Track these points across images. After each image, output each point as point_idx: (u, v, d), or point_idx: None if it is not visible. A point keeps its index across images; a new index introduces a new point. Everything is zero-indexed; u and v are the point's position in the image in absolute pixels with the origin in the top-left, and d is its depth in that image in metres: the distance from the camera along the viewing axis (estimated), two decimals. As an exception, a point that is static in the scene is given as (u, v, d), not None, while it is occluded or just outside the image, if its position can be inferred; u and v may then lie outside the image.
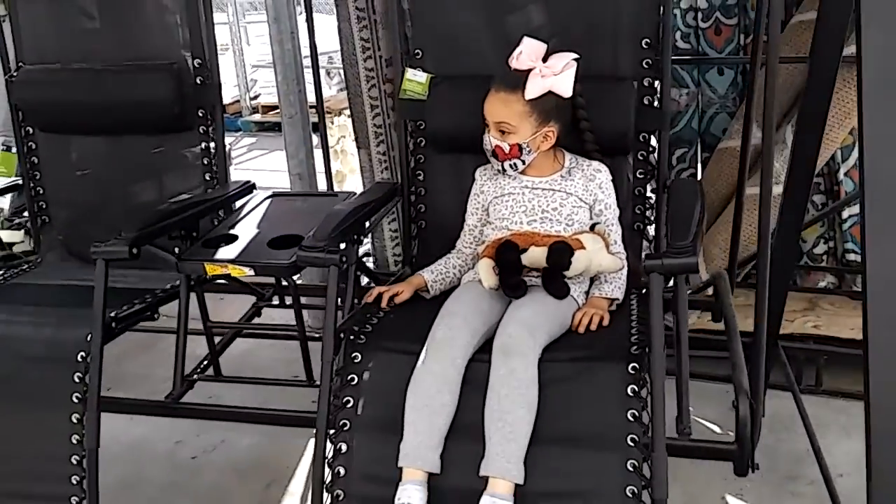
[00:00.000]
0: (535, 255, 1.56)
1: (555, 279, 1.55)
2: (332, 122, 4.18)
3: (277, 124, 2.93)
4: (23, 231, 3.31)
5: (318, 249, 1.53)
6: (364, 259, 2.78)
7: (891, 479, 1.04)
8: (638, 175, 1.78)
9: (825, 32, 1.59)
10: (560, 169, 1.68)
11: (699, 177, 2.67)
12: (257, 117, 6.43)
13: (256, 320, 2.44)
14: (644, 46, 1.74)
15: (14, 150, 3.28)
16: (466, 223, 1.78)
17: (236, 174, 2.77)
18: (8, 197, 3.33)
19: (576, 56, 1.59)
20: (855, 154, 2.43)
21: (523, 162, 1.63)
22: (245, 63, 6.53)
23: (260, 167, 5.28)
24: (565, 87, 1.58)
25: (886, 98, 1.04)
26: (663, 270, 1.29)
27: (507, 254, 1.56)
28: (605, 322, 1.56)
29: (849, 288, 2.64)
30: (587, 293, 1.65)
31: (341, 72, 2.67)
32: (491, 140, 1.63)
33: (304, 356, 1.96)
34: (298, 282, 2.25)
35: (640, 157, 1.78)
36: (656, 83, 1.74)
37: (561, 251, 1.54)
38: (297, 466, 2.20)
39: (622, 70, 1.76)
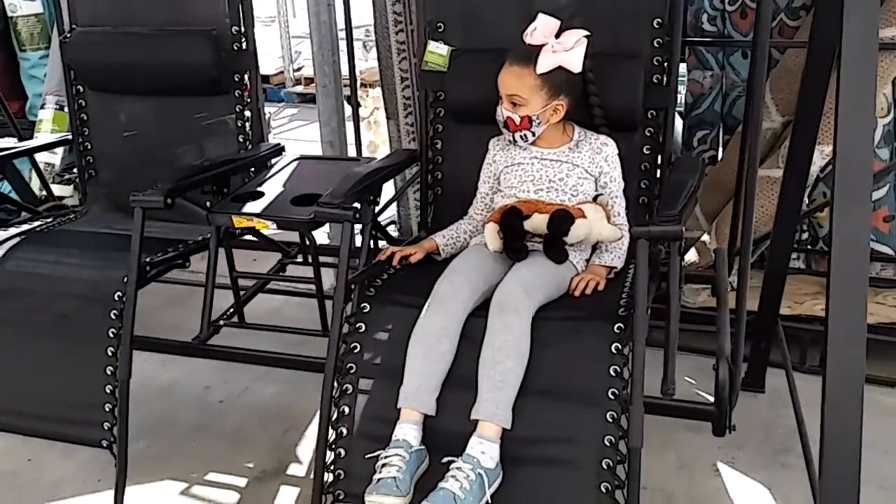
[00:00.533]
0: (537, 222, 1.64)
1: (554, 245, 1.63)
2: (367, 94, 4.24)
3: (319, 96, 3.02)
4: (72, 186, 3.48)
5: (335, 206, 1.62)
6: (388, 227, 2.88)
7: (842, 438, 1.09)
8: (644, 151, 1.83)
9: (822, 19, 1.62)
10: (568, 141, 1.74)
11: (720, 158, 2.71)
12: (300, 88, 6.50)
13: (281, 274, 2.55)
14: (656, 26, 1.78)
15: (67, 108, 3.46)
16: (479, 191, 1.85)
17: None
18: (59, 154, 3.49)
19: (587, 33, 1.65)
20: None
21: (533, 133, 1.70)
22: (290, 35, 6.59)
23: (299, 137, 5.38)
24: (575, 63, 1.64)
25: (861, 81, 1.10)
26: (649, 237, 1.36)
27: (510, 219, 1.64)
28: (601, 288, 1.63)
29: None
30: (588, 261, 1.72)
31: (378, 45, 2.76)
32: (503, 112, 1.70)
33: (321, 308, 2.07)
34: (325, 242, 2.33)
35: (648, 134, 1.82)
36: (666, 62, 1.78)
37: (561, 219, 1.62)
38: (314, 416, 2.28)
39: (633, 48, 1.80)
